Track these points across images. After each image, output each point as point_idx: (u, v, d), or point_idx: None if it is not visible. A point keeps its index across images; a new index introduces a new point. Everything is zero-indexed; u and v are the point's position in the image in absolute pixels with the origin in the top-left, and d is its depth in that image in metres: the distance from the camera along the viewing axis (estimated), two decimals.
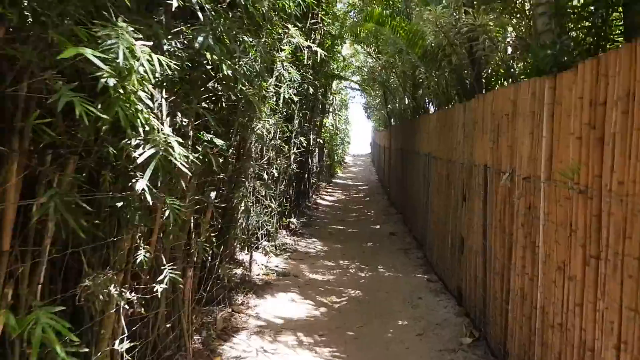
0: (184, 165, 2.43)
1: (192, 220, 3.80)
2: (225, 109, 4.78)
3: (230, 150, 5.56)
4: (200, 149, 3.83)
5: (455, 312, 4.90)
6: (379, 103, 17.95)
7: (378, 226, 10.29)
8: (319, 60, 9.96)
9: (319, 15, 8.49)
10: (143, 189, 2.33)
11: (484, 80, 5.67)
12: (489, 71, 5.92)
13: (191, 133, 3.99)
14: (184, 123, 3.42)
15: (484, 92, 5.15)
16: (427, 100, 9.30)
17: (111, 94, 1.95)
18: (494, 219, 3.90)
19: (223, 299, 4.96)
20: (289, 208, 9.21)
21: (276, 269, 6.61)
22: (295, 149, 8.86)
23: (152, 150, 2.25)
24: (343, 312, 5.08)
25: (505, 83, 5.66)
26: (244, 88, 4.26)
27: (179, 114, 3.24)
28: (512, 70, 5.85)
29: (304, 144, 8.73)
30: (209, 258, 4.57)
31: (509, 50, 5.82)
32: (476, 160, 4.51)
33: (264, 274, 6.26)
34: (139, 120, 2.12)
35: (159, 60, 2.17)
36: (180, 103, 3.36)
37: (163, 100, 2.84)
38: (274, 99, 6.85)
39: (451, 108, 5.80)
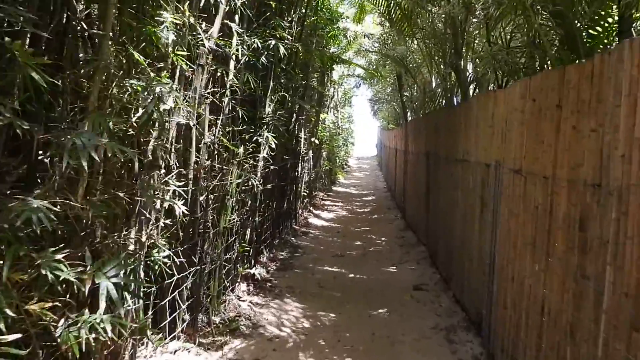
0: None
1: None
2: None
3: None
4: None
5: None
6: (391, 93, 14.43)
7: (394, 268, 6.87)
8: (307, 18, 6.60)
9: None
10: None
11: None
12: None
13: None
14: None
15: None
16: (474, 74, 5.87)
17: None
18: None
19: None
20: (253, 247, 5.79)
21: None
22: (265, 152, 5.49)
23: None
24: None
25: None
26: None
27: None
28: None
29: (273, 146, 5.33)
30: None
31: None
32: None
33: None
34: None
35: None
36: None
37: None
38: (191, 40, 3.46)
39: (602, 55, 2.39)
